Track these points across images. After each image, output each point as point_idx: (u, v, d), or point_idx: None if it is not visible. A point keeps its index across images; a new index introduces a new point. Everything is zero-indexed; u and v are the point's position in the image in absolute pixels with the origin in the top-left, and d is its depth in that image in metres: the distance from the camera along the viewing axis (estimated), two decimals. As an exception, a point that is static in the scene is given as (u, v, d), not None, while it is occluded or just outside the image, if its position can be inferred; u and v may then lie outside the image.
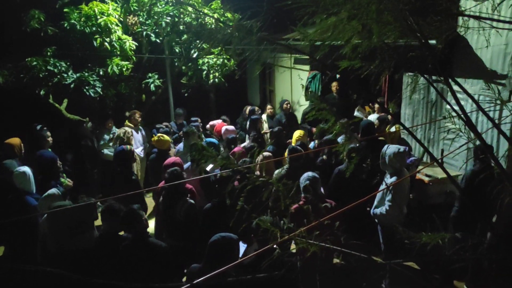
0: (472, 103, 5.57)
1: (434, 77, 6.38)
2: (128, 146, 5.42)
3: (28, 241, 4.39)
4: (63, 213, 3.28)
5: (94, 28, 7.14)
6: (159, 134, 6.04)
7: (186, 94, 9.31)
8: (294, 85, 10.26)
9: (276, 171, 4.97)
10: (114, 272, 3.38)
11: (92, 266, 3.37)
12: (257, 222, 3.13)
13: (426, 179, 5.62)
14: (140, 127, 7.81)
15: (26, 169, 4.54)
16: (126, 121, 7.84)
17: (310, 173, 4.14)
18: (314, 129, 7.79)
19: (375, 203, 4.72)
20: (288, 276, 3.14)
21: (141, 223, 3.35)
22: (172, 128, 7.94)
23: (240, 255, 3.41)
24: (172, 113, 8.87)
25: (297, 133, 6.50)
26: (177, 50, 8.54)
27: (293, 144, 6.34)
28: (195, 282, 1.98)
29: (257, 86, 12.64)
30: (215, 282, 2.87)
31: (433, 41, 4.85)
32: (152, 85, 8.10)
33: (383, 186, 4.70)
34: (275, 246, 2.75)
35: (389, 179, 4.60)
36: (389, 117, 6.22)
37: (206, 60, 8.17)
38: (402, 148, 4.52)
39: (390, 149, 4.51)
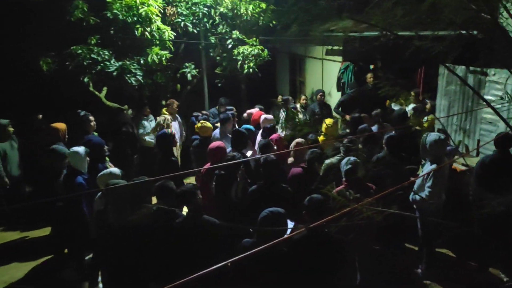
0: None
1: (471, 68, 6.43)
2: (169, 130, 5.65)
3: (75, 220, 4.66)
4: (124, 189, 3.51)
5: (135, 18, 7.38)
6: (202, 121, 6.23)
7: (219, 84, 9.51)
8: (325, 76, 10.33)
9: (327, 161, 5.09)
10: (170, 247, 3.59)
11: (149, 239, 3.59)
12: (311, 198, 3.29)
13: (463, 168, 5.67)
14: (177, 116, 8.06)
15: (80, 149, 4.79)
16: (164, 109, 8.10)
17: (351, 158, 4.26)
18: (347, 117, 7.90)
19: (415, 189, 4.81)
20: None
21: (197, 200, 3.56)
22: (211, 116, 8.18)
23: (289, 231, 3.57)
24: (206, 102, 9.10)
25: (327, 121, 6.57)
26: (212, 41, 8.73)
27: (324, 131, 6.46)
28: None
29: (287, 77, 12.75)
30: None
31: (470, 32, 4.90)
32: (188, 75, 8.32)
33: (422, 173, 4.79)
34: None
35: (429, 166, 4.69)
36: (426, 107, 6.27)
37: (241, 50, 8.33)
38: (443, 135, 4.60)
39: (431, 136, 4.59)
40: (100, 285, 5.05)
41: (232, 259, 1.97)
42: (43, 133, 6.89)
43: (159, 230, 3.64)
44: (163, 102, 8.99)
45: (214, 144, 5.04)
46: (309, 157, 4.86)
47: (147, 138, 7.71)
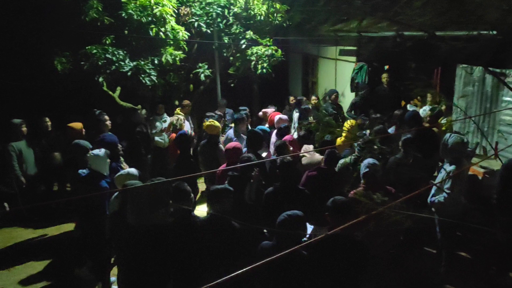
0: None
1: (490, 69, 6.33)
2: (189, 130, 5.64)
3: (97, 218, 4.68)
4: (142, 190, 3.49)
5: (149, 18, 7.37)
6: (210, 120, 6.22)
7: (232, 85, 9.49)
8: (338, 76, 10.27)
9: (341, 161, 5.05)
10: (189, 249, 3.57)
11: (167, 240, 3.58)
12: (335, 200, 3.25)
13: (481, 171, 5.59)
14: (188, 116, 8.07)
15: (100, 151, 4.78)
16: (178, 109, 8.11)
17: (370, 160, 4.21)
18: (359, 121, 7.83)
19: (433, 191, 4.74)
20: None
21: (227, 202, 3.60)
22: (227, 115, 8.21)
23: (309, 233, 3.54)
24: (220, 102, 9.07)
25: (347, 123, 6.54)
26: (225, 41, 8.70)
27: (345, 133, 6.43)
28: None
29: (299, 77, 12.70)
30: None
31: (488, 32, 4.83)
32: (202, 75, 8.31)
33: (441, 175, 4.72)
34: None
35: (448, 167, 4.62)
36: (442, 108, 6.19)
37: (255, 50, 8.30)
38: (465, 138, 4.53)
39: (453, 137, 4.52)
40: (114, 286, 5.07)
41: (258, 263, 1.93)
42: (54, 135, 6.96)
43: (177, 231, 3.62)
44: (176, 102, 9.01)
45: (231, 144, 5.02)
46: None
47: (157, 138, 7.72)
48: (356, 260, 3.22)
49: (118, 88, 8.60)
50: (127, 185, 3.91)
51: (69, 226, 6.70)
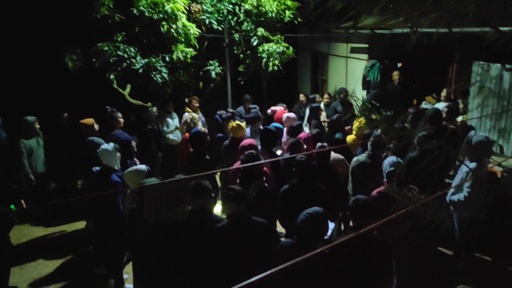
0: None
1: (508, 66, 6.22)
2: (203, 128, 5.59)
3: (110, 214, 4.64)
4: (161, 187, 3.45)
5: (161, 15, 7.31)
6: (237, 122, 6.06)
7: (242, 82, 9.42)
8: (349, 74, 10.17)
9: (354, 158, 4.98)
10: (206, 249, 3.51)
11: (184, 239, 3.52)
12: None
13: (500, 169, 5.49)
14: (200, 114, 8.00)
15: (108, 146, 4.74)
16: (186, 107, 8.06)
17: (394, 158, 4.13)
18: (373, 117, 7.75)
19: (452, 189, 4.65)
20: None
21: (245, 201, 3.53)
22: (238, 114, 8.14)
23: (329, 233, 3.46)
24: (229, 100, 9.00)
25: (358, 121, 6.46)
26: (236, 38, 8.64)
27: (354, 132, 6.35)
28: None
29: (308, 76, 12.61)
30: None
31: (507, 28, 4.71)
32: (213, 72, 8.25)
33: (461, 172, 4.64)
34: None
35: (470, 165, 4.53)
36: (460, 106, 6.10)
37: (266, 47, 8.22)
38: (490, 137, 4.46)
39: (478, 136, 4.44)
40: (126, 285, 5.03)
41: (285, 264, 1.81)
42: (70, 131, 6.93)
43: (195, 230, 3.56)
44: (186, 100, 8.95)
45: (247, 141, 4.95)
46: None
47: (171, 136, 7.67)
48: (379, 260, 3.14)
49: (128, 86, 8.57)
50: (142, 183, 3.87)
51: (81, 224, 6.69)
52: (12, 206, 4.20)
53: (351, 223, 3.39)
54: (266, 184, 4.47)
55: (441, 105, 6.57)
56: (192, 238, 3.51)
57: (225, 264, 3.29)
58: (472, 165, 4.46)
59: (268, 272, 1.67)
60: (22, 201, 6.23)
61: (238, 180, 4.59)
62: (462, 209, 4.56)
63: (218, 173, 6.67)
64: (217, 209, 5.07)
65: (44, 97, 8.37)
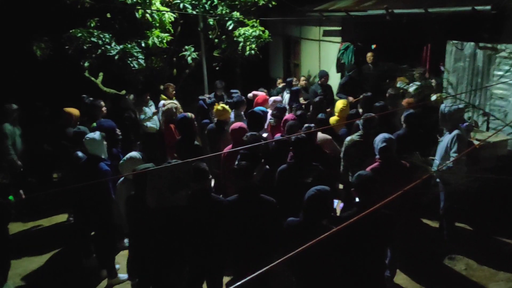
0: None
1: (481, 44, 6.46)
2: (189, 114, 5.50)
3: (103, 205, 4.53)
4: (163, 172, 3.39)
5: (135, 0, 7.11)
6: (222, 105, 6.02)
7: (217, 68, 9.32)
8: (322, 57, 10.26)
9: (348, 138, 5.06)
10: (209, 230, 3.50)
11: (187, 223, 3.50)
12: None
13: (477, 143, 5.72)
14: (176, 101, 7.88)
15: (95, 134, 4.60)
16: (162, 94, 7.91)
17: (386, 135, 4.22)
18: (351, 98, 7.88)
19: (437, 161, 4.83)
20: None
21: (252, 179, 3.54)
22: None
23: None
24: (206, 86, 8.90)
25: (341, 103, 6.56)
26: (211, 23, 8.51)
27: (336, 113, 6.46)
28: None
29: (281, 60, 12.61)
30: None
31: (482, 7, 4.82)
32: (189, 58, 8.12)
33: (442, 143, 4.85)
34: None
35: (448, 135, 4.79)
36: (433, 84, 6.28)
37: (242, 31, 8.15)
38: (461, 104, 4.73)
39: (448, 107, 4.74)
40: (120, 275, 4.94)
41: (298, 250, 1.75)
42: (46, 120, 6.66)
43: (197, 213, 3.54)
44: (161, 87, 8.78)
45: (236, 124, 4.92)
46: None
47: (149, 123, 7.52)
48: (385, 232, 3.23)
49: (101, 74, 8.31)
50: (136, 169, 3.79)
51: (62, 218, 6.49)
52: (10, 197, 4.00)
53: (356, 199, 3.44)
54: (267, 167, 4.50)
55: (413, 85, 6.73)
56: (197, 220, 3.50)
57: (236, 237, 3.30)
58: (455, 131, 4.69)
59: (287, 255, 1.63)
60: (21, 192, 5.97)
61: (236, 162, 4.56)
62: (449, 178, 4.72)
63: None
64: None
65: (14, 87, 7.97)
